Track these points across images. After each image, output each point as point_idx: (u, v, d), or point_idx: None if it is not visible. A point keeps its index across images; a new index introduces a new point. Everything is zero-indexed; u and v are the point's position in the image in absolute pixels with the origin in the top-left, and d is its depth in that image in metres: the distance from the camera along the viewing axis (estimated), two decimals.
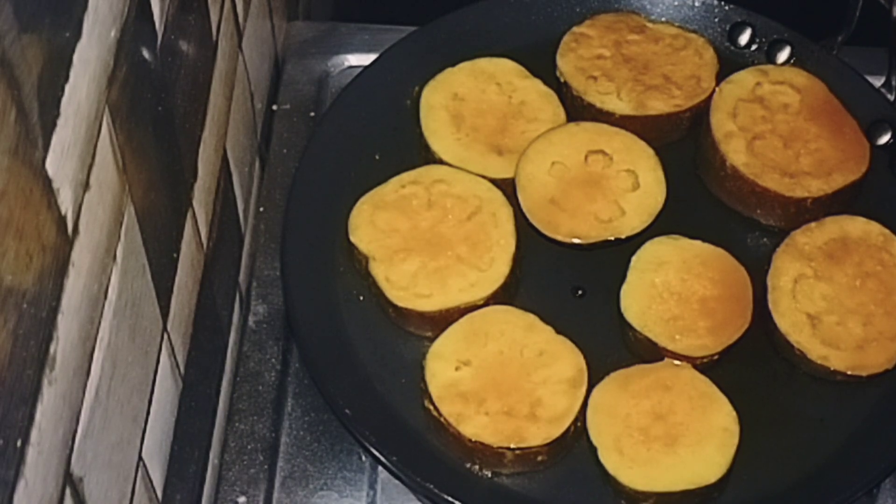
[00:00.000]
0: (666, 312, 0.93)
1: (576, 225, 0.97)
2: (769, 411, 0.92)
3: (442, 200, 0.98)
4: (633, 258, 0.96)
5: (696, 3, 1.12)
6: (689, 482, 0.86)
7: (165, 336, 0.81)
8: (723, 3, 1.12)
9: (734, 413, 0.89)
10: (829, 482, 0.89)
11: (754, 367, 0.94)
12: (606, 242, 0.97)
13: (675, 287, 0.94)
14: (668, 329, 0.92)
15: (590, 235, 0.97)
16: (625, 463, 0.87)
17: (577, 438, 0.89)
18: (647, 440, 0.88)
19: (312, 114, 1.14)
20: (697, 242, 0.97)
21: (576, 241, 0.97)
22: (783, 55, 1.10)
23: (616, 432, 0.88)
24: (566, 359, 0.91)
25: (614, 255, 0.97)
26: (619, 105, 1.04)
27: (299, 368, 0.99)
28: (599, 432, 0.88)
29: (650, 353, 0.92)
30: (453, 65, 1.07)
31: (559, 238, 0.97)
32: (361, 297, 0.97)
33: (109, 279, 0.67)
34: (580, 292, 0.97)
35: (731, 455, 0.87)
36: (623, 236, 0.97)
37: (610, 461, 0.87)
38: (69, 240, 0.60)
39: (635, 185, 1.00)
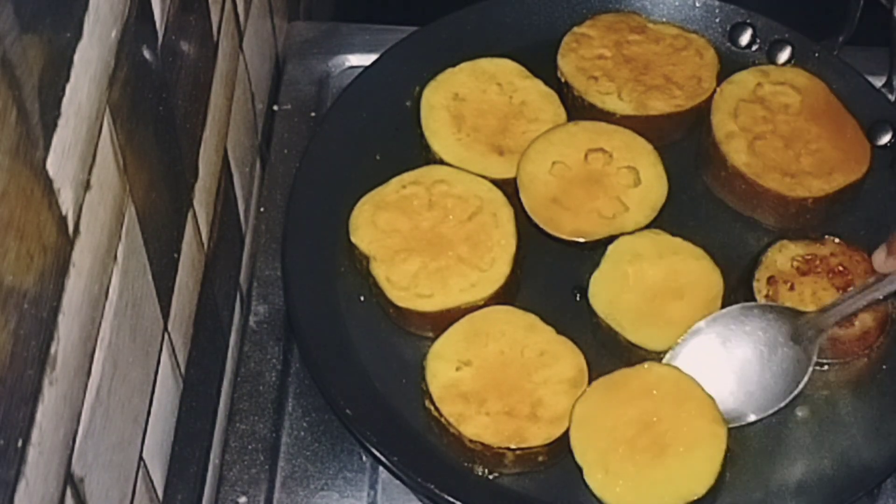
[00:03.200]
0: (633, 304, 0.93)
1: (579, 223, 0.97)
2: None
3: (443, 201, 0.98)
4: (610, 247, 0.96)
5: (697, 4, 1.12)
6: (679, 497, 0.85)
7: (166, 336, 0.81)
8: (724, 3, 1.12)
9: (720, 415, 0.88)
10: (829, 482, 0.89)
11: None
12: (609, 240, 0.97)
13: (647, 281, 0.94)
14: (632, 320, 0.92)
15: (594, 233, 0.97)
16: (610, 482, 0.85)
17: None
18: (633, 453, 0.86)
19: (313, 114, 1.14)
20: (677, 240, 0.96)
21: (580, 239, 0.97)
22: (784, 55, 1.10)
23: (601, 448, 0.86)
24: (567, 359, 0.91)
25: None
26: (620, 105, 1.04)
27: (300, 368, 0.99)
28: (584, 451, 0.86)
29: (612, 342, 0.92)
30: (454, 65, 1.07)
31: (563, 236, 0.97)
32: (362, 298, 0.97)
33: (110, 279, 0.67)
34: (581, 293, 0.97)
35: (720, 462, 0.86)
36: (627, 232, 0.97)
37: (595, 481, 0.85)
38: (70, 240, 0.60)
39: (636, 181, 1.00)
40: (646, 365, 0.90)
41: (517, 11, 1.12)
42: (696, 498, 0.85)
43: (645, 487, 0.85)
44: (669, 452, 0.86)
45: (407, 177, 1.00)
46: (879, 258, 0.90)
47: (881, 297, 0.89)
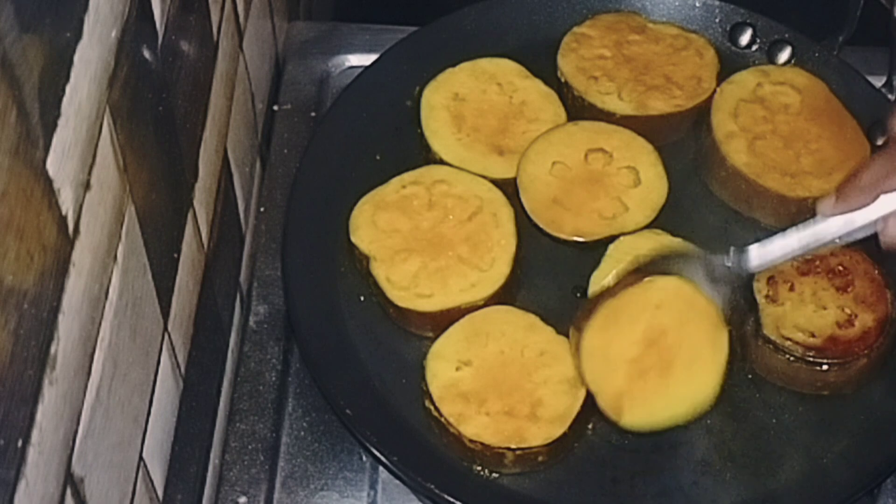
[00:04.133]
0: None
1: (580, 223, 0.97)
2: (769, 413, 0.92)
3: (443, 201, 0.98)
4: (611, 247, 0.96)
5: (697, 4, 1.12)
6: (688, 412, 0.86)
7: (166, 336, 0.81)
8: (724, 3, 1.12)
9: (721, 320, 0.88)
10: (828, 482, 0.89)
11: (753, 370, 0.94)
12: (610, 240, 0.97)
13: None
14: None
15: (594, 233, 0.97)
16: (624, 404, 0.86)
17: (577, 438, 0.89)
18: (642, 373, 0.86)
19: (313, 114, 1.14)
20: (677, 240, 0.96)
21: (580, 239, 0.97)
22: (784, 55, 1.10)
23: (612, 373, 0.87)
24: (567, 359, 0.91)
25: None
26: (620, 105, 1.04)
27: (300, 368, 0.99)
28: (595, 378, 0.87)
29: None
30: (454, 65, 1.07)
31: (564, 237, 0.97)
32: (362, 298, 0.97)
33: (110, 279, 0.67)
34: (581, 292, 0.97)
35: (723, 366, 0.87)
36: (627, 232, 0.97)
37: (609, 406, 0.86)
38: (70, 240, 0.60)
39: (636, 181, 1.00)
40: (647, 280, 0.88)
41: (517, 11, 1.12)
42: (704, 410, 0.86)
43: (656, 406, 0.86)
44: (675, 366, 0.87)
45: (407, 177, 1.00)
46: (828, 203, 0.83)
47: (801, 253, 0.85)
